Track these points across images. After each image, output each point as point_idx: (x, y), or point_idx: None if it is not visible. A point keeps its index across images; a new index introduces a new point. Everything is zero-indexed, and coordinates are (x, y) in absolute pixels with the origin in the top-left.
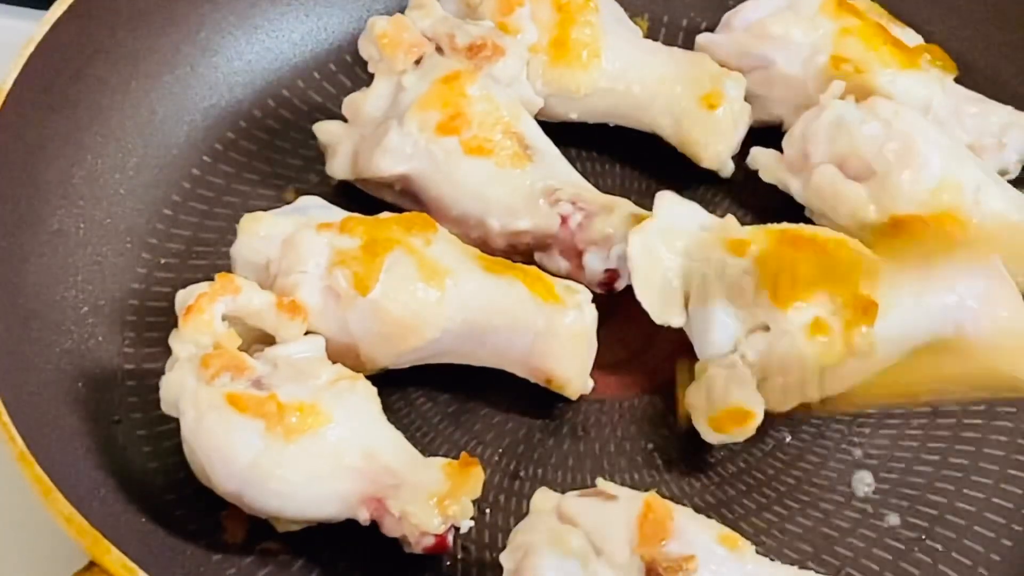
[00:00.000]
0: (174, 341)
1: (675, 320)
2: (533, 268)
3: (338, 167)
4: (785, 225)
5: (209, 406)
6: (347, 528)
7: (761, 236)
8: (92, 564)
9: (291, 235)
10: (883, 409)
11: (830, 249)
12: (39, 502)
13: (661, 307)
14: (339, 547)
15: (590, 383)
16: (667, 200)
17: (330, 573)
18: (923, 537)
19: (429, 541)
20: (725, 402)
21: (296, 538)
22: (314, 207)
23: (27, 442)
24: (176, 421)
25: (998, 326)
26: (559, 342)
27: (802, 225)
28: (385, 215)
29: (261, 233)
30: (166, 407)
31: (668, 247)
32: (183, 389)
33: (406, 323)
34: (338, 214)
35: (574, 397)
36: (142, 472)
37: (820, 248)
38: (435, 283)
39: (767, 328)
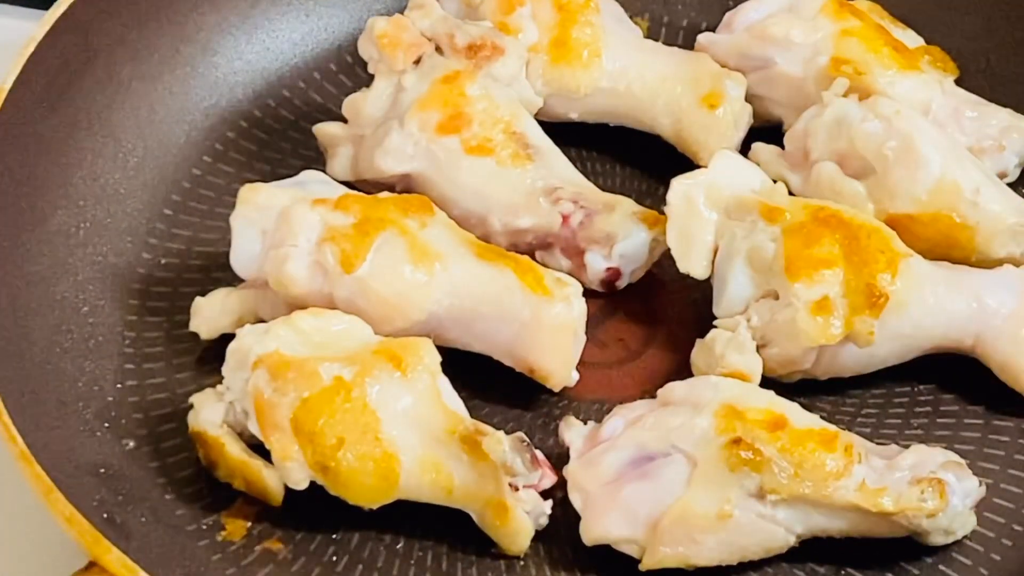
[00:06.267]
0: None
1: (697, 271)
2: (525, 258)
3: (338, 168)
4: (826, 202)
5: None
6: (347, 529)
7: (798, 208)
8: (92, 564)
9: (286, 208)
10: (882, 408)
11: (860, 235)
12: (39, 502)
13: (687, 256)
14: (339, 547)
15: (574, 376)
16: (725, 158)
17: (330, 573)
18: None
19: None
20: (722, 365)
21: (296, 538)
22: (314, 182)
23: (27, 442)
24: (176, 422)
25: (1019, 348)
26: (543, 333)
27: (843, 207)
28: (384, 195)
29: (259, 203)
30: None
31: (709, 201)
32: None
33: (391, 303)
34: (337, 190)
35: (556, 389)
36: (142, 472)
37: (850, 232)
38: (424, 266)
39: (777, 297)
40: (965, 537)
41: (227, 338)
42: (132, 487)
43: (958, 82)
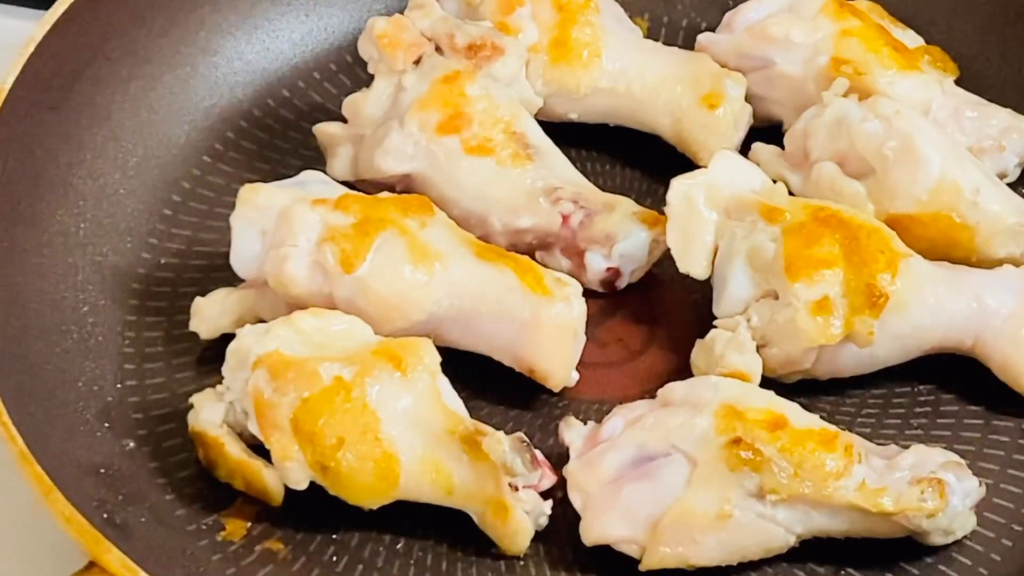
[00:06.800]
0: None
1: (697, 271)
2: (525, 258)
3: (338, 168)
4: (826, 202)
5: None
6: (347, 529)
7: (798, 208)
8: (92, 564)
9: (286, 208)
10: (882, 408)
11: (860, 235)
12: (39, 502)
13: (687, 256)
14: (339, 547)
15: (574, 377)
16: (725, 158)
17: (330, 573)
18: None
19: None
20: (722, 365)
21: (296, 538)
22: (314, 182)
23: (27, 442)
24: (176, 422)
25: (1019, 348)
26: (543, 333)
27: (843, 207)
28: (384, 195)
29: (259, 203)
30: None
31: (709, 201)
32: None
33: (391, 303)
34: (336, 190)
35: (556, 389)
36: (142, 472)
37: (850, 232)
38: (424, 266)
39: (777, 297)
40: (965, 537)
41: (227, 338)
42: (132, 487)
43: (958, 82)
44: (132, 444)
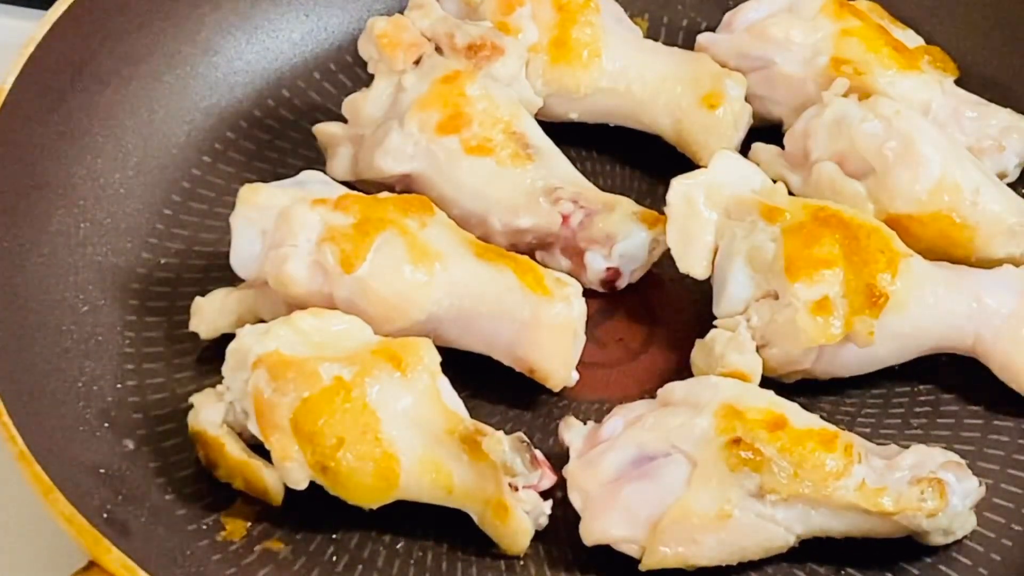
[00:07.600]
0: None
1: (697, 271)
2: (525, 258)
3: (338, 168)
4: (826, 202)
5: None
6: (347, 529)
7: (798, 208)
8: (92, 564)
9: (286, 208)
10: (882, 408)
11: (860, 235)
12: (39, 502)
13: (687, 256)
14: (339, 547)
15: (574, 377)
16: (725, 158)
17: (330, 573)
18: None
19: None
20: (722, 365)
21: (296, 538)
22: (314, 182)
23: (27, 442)
24: (176, 422)
25: (1019, 348)
26: (543, 333)
27: (843, 207)
28: (384, 195)
29: (259, 203)
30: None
31: (709, 201)
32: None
33: (391, 303)
34: (337, 190)
35: (556, 389)
36: (142, 472)
37: (850, 232)
38: (424, 266)
39: (777, 297)
40: (965, 537)
41: (227, 338)
42: (132, 487)
43: (958, 82)
44: (132, 444)
